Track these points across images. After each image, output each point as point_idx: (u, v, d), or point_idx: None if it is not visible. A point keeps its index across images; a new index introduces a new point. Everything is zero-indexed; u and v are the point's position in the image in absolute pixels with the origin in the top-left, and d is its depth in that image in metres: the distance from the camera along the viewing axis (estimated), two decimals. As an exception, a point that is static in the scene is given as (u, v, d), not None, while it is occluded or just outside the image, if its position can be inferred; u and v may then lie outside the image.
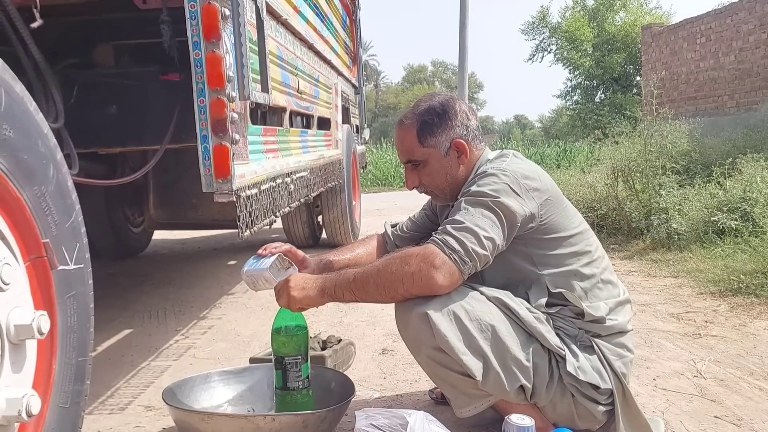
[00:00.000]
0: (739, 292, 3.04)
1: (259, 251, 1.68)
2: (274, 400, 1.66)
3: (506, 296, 1.48)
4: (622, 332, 1.55)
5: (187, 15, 1.80)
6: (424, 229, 1.91)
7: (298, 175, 2.98)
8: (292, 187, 2.79)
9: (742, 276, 3.14)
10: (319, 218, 5.08)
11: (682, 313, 2.82)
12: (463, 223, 1.43)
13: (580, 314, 1.50)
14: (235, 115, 1.90)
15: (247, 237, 2.04)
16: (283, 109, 2.84)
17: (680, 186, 4.92)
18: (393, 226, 1.98)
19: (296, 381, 1.60)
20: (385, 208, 8.73)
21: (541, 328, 1.45)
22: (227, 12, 1.86)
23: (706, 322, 2.68)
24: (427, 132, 1.63)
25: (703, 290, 3.20)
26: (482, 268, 1.45)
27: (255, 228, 2.15)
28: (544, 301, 1.51)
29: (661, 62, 11.13)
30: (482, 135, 1.69)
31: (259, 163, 2.34)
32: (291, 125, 3.24)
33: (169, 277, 4.08)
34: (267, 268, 1.58)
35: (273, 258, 1.63)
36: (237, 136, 1.92)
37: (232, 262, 4.58)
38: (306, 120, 3.79)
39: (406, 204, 8.68)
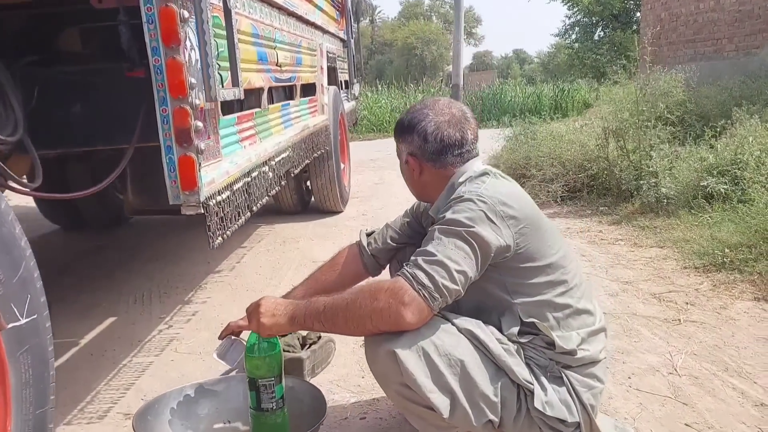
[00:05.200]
0: (723, 267, 3.03)
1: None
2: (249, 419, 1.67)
3: (477, 327, 1.45)
4: (593, 362, 1.53)
5: (144, 19, 1.71)
6: (405, 238, 1.87)
7: (278, 158, 2.91)
8: (270, 174, 2.72)
9: (726, 250, 3.13)
10: (308, 183, 5.03)
11: (664, 293, 2.82)
12: (435, 255, 1.39)
13: (552, 344, 1.48)
14: (200, 124, 1.83)
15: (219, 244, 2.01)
16: (260, 90, 2.75)
17: (674, 138, 4.84)
18: (369, 234, 1.94)
19: (270, 402, 1.60)
20: (380, 158, 8.66)
21: (511, 362, 1.43)
22: (186, 14, 1.76)
23: (687, 303, 2.69)
24: (397, 131, 1.70)
25: (687, 264, 3.19)
26: (454, 301, 1.42)
27: (228, 232, 2.11)
28: (516, 330, 1.48)
29: (661, 2, 10.79)
30: (467, 152, 1.61)
31: (233, 158, 2.28)
32: (271, 101, 3.14)
33: (156, 252, 4.07)
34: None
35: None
36: (202, 145, 1.86)
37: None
38: (288, 91, 3.69)
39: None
